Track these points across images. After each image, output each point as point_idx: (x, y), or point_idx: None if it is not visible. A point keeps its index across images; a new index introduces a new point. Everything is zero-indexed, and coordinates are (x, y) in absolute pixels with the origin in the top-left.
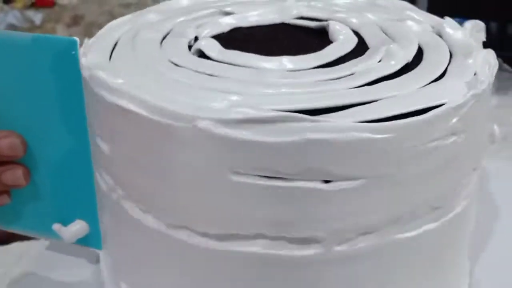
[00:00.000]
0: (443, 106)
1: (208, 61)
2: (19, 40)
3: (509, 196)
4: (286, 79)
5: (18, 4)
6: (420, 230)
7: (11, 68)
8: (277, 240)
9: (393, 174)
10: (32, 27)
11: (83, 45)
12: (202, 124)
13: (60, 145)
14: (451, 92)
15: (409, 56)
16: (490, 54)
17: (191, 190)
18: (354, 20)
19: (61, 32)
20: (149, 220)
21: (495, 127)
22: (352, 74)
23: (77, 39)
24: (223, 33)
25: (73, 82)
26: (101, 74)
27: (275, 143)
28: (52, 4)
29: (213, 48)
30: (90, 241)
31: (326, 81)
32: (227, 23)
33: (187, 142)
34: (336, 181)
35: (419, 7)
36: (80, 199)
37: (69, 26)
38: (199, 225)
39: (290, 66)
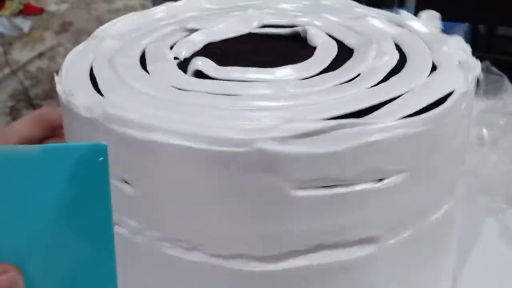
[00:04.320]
0: (456, 92)
1: (215, 81)
2: (21, 156)
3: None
4: (305, 88)
5: (6, 12)
6: (443, 212)
7: (11, 189)
8: (335, 247)
9: (429, 162)
10: (21, 35)
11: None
12: (264, 145)
13: (78, 262)
14: (454, 80)
15: (394, 51)
16: (460, 40)
17: (250, 216)
18: (318, 23)
19: (49, 39)
20: (195, 256)
21: (484, 130)
22: (358, 75)
23: (106, 144)
24: (199, 50)
25: (97, 192)
26: (120, 112)
27: (337, 152)
28: (40, 12)
29: (210, 67)
30: None
31: (341, 85)
32: (199, 40)
33: (247, 166)
34: (387, 178)
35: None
36: None
37: (57, 33)
38: (257, 250)
39: (296, 75)
